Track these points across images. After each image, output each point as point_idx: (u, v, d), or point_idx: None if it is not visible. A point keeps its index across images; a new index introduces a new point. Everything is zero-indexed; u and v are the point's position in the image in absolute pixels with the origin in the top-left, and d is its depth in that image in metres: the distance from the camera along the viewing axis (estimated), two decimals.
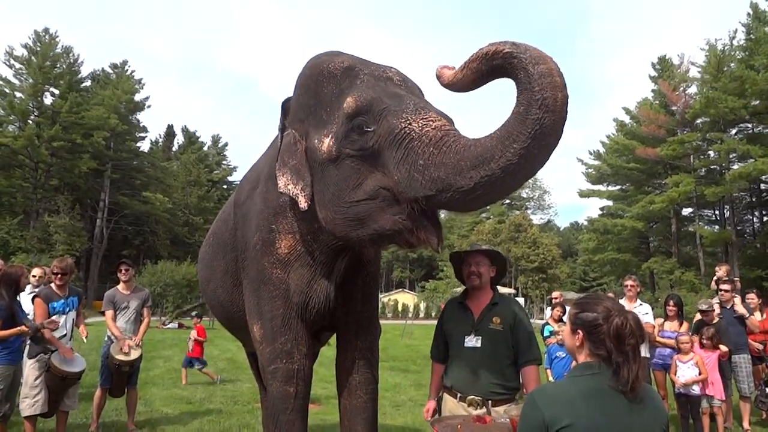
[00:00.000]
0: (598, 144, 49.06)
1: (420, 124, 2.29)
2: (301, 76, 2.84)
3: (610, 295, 9.35)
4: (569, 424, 1.63)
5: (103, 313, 6.19)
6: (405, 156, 2.29)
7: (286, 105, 2.92)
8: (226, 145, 66.08)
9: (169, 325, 23.11)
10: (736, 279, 8.68)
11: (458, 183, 2.14)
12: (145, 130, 49.93)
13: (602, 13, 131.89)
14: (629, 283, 6.92)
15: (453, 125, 2.38)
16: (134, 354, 5.86)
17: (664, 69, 43.15)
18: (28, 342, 5.12)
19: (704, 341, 6.36)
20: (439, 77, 2.28)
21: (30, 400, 5.11)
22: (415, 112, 2.34)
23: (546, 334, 7.70)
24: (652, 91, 43.94)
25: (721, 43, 37.12)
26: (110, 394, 6.08)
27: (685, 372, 6.20)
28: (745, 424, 6.66)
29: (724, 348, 6.37)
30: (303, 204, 2.70)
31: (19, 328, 4.82)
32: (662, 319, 7.04)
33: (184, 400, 7.86)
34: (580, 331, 1.78)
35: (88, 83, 46.10)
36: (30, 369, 5.14)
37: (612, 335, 1.69)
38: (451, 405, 3.06)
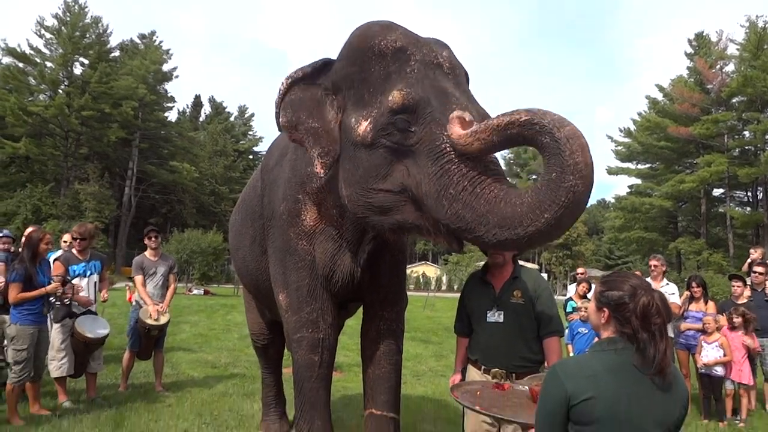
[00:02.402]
0: (628, 121, 48.01)
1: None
2: (349, 47, 2.66)
3: (637, 273, 9.23)
4: (591, 396, 1.62)
5: (131, 279, 6.33)
6: (439, 175, 2.26)
7: (329, 64, 2.79)
8: (252, 115, 66.22)
9: (195, 292, 23.54)
10: None
11: (480, 232, 2.17)
12: (172, 100, 50.28)
13: None
14: (654, 263, 6.79)
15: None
16: (163, 319, 6.05)
17: (701, 46, 41.82)
18: (54, 305, 5.20)
19: (735, 321, 6.19)
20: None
21: (57, 362, 5.32)
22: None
23: (569, 309, 7.67)
24: (688, 68, 42.65)
25: (762, 20, 35.82)
26: (138, 357, 6.27)
27: (710, 353, 6.13)
28: None
29: (752, 341, 6.17)
30: (319, 169, 2.68)
31: (40, 290, 4.87)
32: (686, 293, 6.90)
33: (210, 365, 8.04)
34: (605, 309, 1.76)
35: (116, 53, 46.31)
36: (56, 333, 5.32)
37: (638, 314, 1.67)
38: (475, 376, 3.09)
